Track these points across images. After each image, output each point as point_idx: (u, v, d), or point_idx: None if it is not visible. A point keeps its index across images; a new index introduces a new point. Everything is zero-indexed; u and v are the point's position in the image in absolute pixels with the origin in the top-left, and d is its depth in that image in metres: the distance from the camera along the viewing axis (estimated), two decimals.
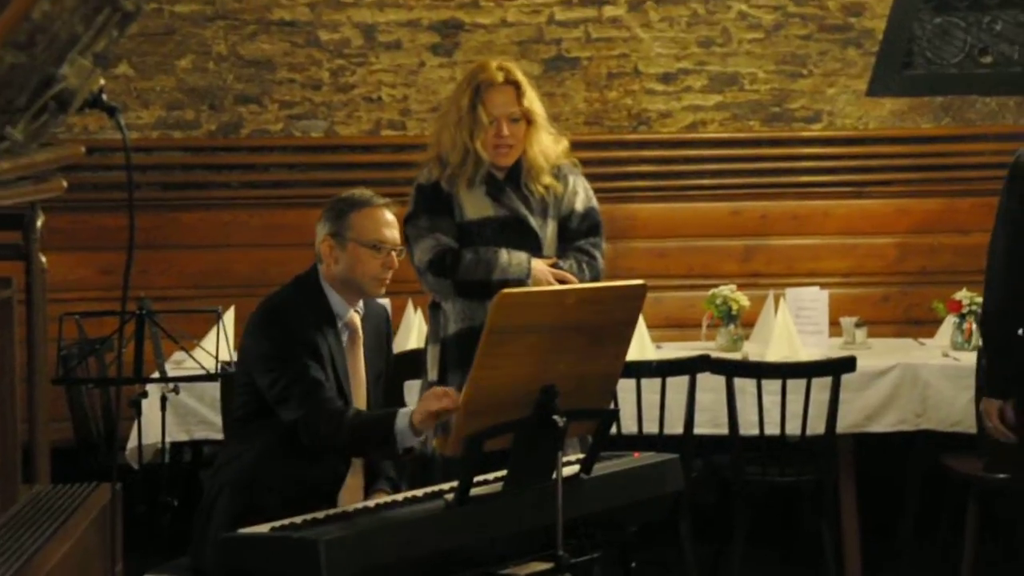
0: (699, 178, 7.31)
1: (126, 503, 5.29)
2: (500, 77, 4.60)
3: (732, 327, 6.20)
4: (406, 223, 4.63)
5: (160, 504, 5.33)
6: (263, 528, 3.29)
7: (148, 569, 4.10)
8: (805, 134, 7.32)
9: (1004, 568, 5.82)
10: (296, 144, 7.28)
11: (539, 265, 4.56)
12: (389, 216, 4.15)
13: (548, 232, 4.66)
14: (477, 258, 4.55)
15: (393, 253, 4.11)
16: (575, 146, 7.01)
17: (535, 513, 3.42)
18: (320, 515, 3.35)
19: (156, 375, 5.29)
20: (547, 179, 4.66)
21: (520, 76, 4.65)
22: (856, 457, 5.92)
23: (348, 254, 4.09)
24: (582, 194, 4.73)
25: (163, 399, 5.27)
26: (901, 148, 7.29)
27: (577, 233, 4.69)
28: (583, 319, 3.50)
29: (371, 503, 3.58)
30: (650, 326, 6.12)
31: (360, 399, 4.15)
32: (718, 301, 6.21)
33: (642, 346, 5.85)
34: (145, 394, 5.19)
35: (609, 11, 7.26)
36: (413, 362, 5.18)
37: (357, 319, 4.18)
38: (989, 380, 4.78)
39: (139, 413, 5.21)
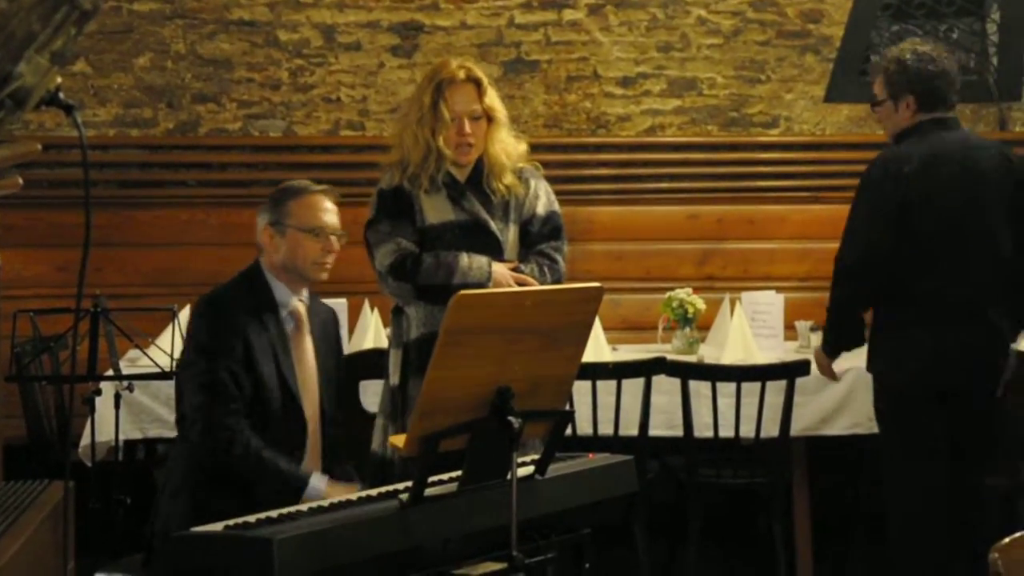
0: (657, 182, 7.34)
1: (79, 501, 5.28)
2: (462, 74, 4.62)
3: (688, 330, 6.23)
4: (367, 228, 4.64)
5: (113, 502, 5.31)
6: (217, 526, 3.28)
7: (101, 567, 4.09)
8: (763, 139, 7.36)
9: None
10: (254, 143, 7.26)
11: (500, 269, 4.56)
12: (328, 203, 4.21)
13: (509, 236, 4.66)
14: (438, 262, 4.55)
15: (333, 238, 4.15)
16: (534, 149, 7.02)
17: (490, 513, 3.43)
18: (274, 514, 3.34)
19: (110, 373, 5.27)
20: (509, 178, 4.66)
21: (481, 74, 4.67)
22: (809, 460, 5.96)
23: (288, 241, 4.13)
24: (544, 198, 4.73)
25: (117, 397, 5.26)
26: (858, 154, 7.30)
27: (539, 237, 4.69)
28: (539, 321, 3.51)
29: (325, 503, 3.57)
30: (607, 328, 6.14)
31: (309, 388, 4.16)
32: (674, 304, 6.23)
33: (598, 348, 5.87)
34: (99, 392, 5.18)
35: (569, 15, 7.28)
36: (369, 362, 5.18)
37: (302, 308, 4.19)
38: (829, 341, 5.21)
39: (93, 411, 5.19)
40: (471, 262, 4.53)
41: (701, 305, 6.24)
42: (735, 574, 6.35)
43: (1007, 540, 2.81)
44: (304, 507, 3.48)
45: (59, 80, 2.56)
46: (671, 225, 7.26)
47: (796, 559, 5.94)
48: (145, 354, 5.18)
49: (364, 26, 7.23)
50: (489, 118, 4.64)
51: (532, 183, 4.73)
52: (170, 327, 5.27)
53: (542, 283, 4.56)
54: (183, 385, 4.13)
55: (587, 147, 7.34)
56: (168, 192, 7.16)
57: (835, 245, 7.16)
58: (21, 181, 3.16)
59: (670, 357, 5.79)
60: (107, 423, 5.40)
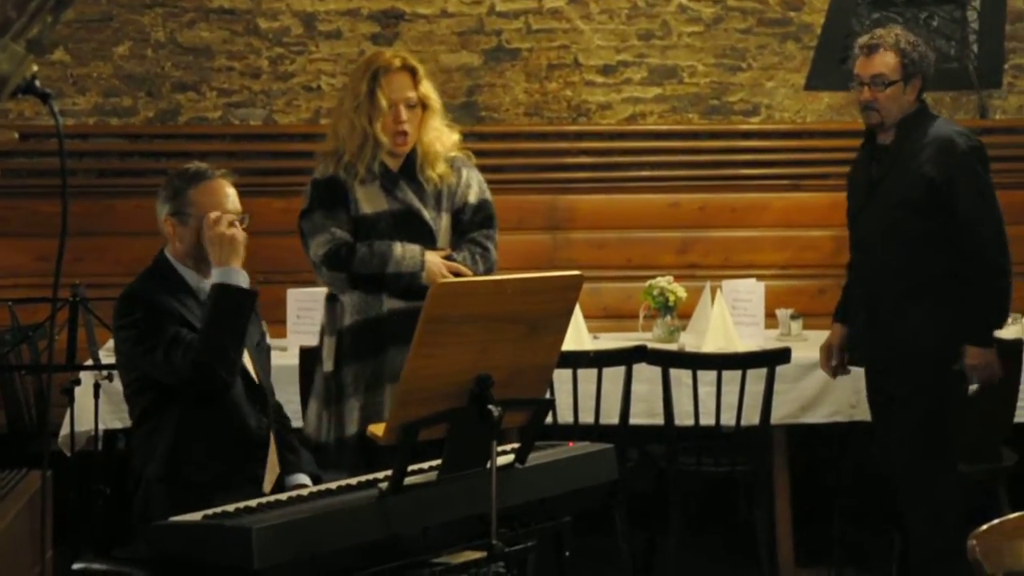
0: (638, 170, 7.33)
1: (58, 490, 5.27)
2: (397, 62, 4.72)
3: (669, 318, 6.23)
4: (301, 218, 4.74)
5: (92, 492, 5.30)
6: (195, 516, 3.28)
7: (80, 557, 4.08)
8: (744, 127, 7.36)
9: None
10: (234, 132, 7.24)
11: (432, 257, 4.64)
12: (228, 187, 4.20)
13: (442, 224, 4.74)
14: (371, 251, 4.63)
15: (237, 225, 4.13)
16: (516, 136, 7.02)
17: (470, 502, 3.43)
18: (253, 503, 3.34)
19: (89, 362, 5.26)
20: (442, 167, 4.75)
21: (416, 63, 4.75)
22: (790, 447, 5.97)
23: (191, 230, 4.12)
24: (475, 186, 4.81)
25: (96, 386, 5.24)
26: (838, 142, 7.32)
27: (471, 225, 4.77)
28: (519, 309, 3.51)
29: (304, 491, 3.57)
30: (587, 316, 6.14)
31: (246, 357, 4.18)
32: (655, 292, 6.23)
33: (579, 336, 5.87)
34: (78, 381, 5.16)
35: (549, 2, 7.27)
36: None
37: None
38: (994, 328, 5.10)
39: (72, 400, 5.17)
40: (404, 251, 4.61)
41: (682, 293, 6.24)
42: (716, 562, 6.36)
43: (984, 527, 2.82)
44: (283, 496, 3.48)
45: (36, 68, 2.55)
46: (652, 213, 7.26)
47: (777, 546, 5.95)
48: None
49: (344, 14, 7.21)
50: (424, 106, 4.73)
51: (464, 172, 4.81)
52: None
53: (474, 271, 4.66)
54: (135, 368, 4.10)
55: (568, 135, 7.34)
56: (148, 181, 7.11)
57: (815, 233, 7.24)
58: None
59: (651, 345, 5.79)
60: (86, 412, 5.38)
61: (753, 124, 7.36)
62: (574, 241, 7.22)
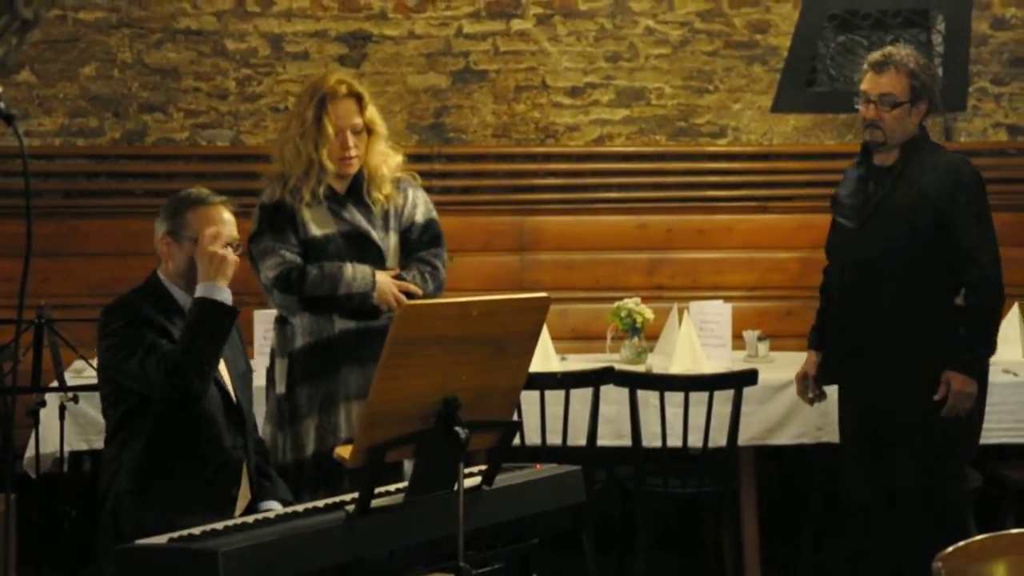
0: (606, 191, 7.35)
1: (23, 512, 5.24)
2: (343, 89, 4.77)
3: (636, 340, 6.24)
4: (250, 241, 4.78)
5: (58, 513, 5.27)
6: (161, 539, 3.26)
7: None
8: (711, 149, 7.38)
9: None
10: (201, 153, 7.23)
11: (383, 277, 4.69)
12: (226, 214, 4.24)
13: (391, 244, 4.80)
14: (323, 273, 4.68)
15: (229, 248, 4.15)
16: (482, 158, 7.05)
17: (437, 524, 3.42)
18: (219, 526, 3.32)
19: (55, 384, 5.23)
20: (388, 188, 4.82)
21: (362, 88, 4.82)
22: (757, 469, 5.98)
23: (185, 251, 4.16)
24: (422, 206, 4.88)
25: (62, 408, 5.22)
26: (805, 164, 7.37)
27: (419, 244, 4.83)
28: (486, 331, 3.50)
29: (271, 514, 3.56)
30: (555, 338, 6.15)
31: (228, 378, 4.19)
32: (623, 314, 6.24)
33: (546, 358, 5.87)
34: (43, 403, 5.14)
35: (517, 24, 7.28)
36: None
37: None
38: (990, 349, 5.08)
39: (37, 422, 5.15)
40: (355, 272, 4.66)
41: (649, 315, 6.25)
42: None
43: (950, 549, 2.83)
44: (250, 519, 3.46)
45: (0, 89, 2.55)
46: (620, 235, 7.27)
47: (744, 568, 5.95)
48: (90, 365, 5.14)
49: (312, 35, 7.21)
50: (369, 131, 4.78)
51: (410, 192, 4.88)
52: None
53: (424, 290, 4.73)
54: (111, 380, 4.11)
55: (535, 157, 7.34)
56: (115, 202, 7.11)
57: (782, 255, 7.27)
58: None
59: (618, 367, 5.80)
60: (52, 434, 5.36)
61: (720, 146, 7.39)
62: (542, 262, 7.22)
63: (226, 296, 4.09)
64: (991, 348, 5.05)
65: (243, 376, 4.33)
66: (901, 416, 5.01)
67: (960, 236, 4.93)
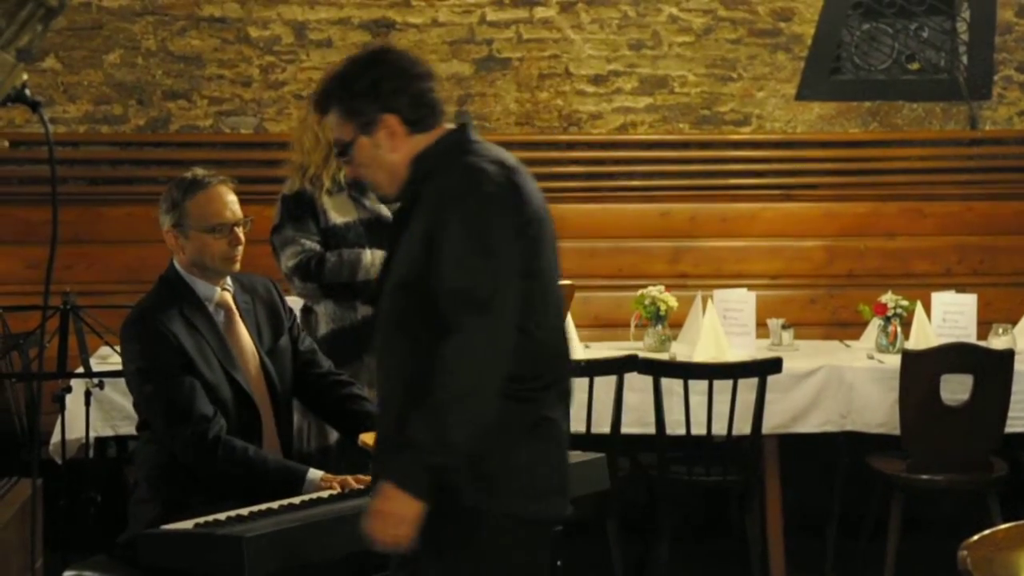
0: (629, 179, 7.33)
1: (49, 498, 5.27)
2: None
3: (660, 328, 6.23)
4: (273, 233, 4.83)
5: (83, 499, 5.29)
6: (187, 524, 3.27)
7: (70, 565, 4.06)
8: (734, 137, 7.37)
9: (926, 566, 5.89)
10: (225, 140, 7.24)
11: None
12: (227, 195, 4.14)
13: None
14: (341, 261, 4.72)
15: (237, 229, 4.09)
16: (506, 146, 6.99)
17: None
18: (244, 511, 3.34)
19: (80, 370, 5.24)
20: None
21: None
22: (781, 457, 5.97)
23: (192, 242, 4.09)
24: None
25: (87, 394, 5.22)
26: (829, 152, 7.35)
27: None
28: None
29: (296, 500, 3.57)
30: (579, 326, 6.13)
31: (250, 372, 4.10)
32: (646, 302, 6.23)
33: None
34: (69, 389, 5.14)
35: (540, 12, 7.27)
36: None
37: (228, 296, 4.16)
38: None
39: (63, 408, 5.16)
40: (373, 258, 4.72)
41: (673, 303, 6.23)
42: (707, 571, 6.36)
43: (976, 537, 2.82)
44: (275, 504, 3.47)
45: (26, 77, 2.55)
46: (643, 223, 7.26)
47: (769, 556, 5.94)
48: (115, 351, 5.15)
49: (335, 23, 7.21)
50: None
51: None
52: None
53: None
54: (140, 403, 4.08)
55: (559, 145, 7.34)
56: (138, 189, 7.12)
57: (806, 243, 7.26)
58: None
59: (642, 355, 5.79)
60: (78, 420, 5.36)
61: (744, 134, 7.37)
62: (565, 250, 7.10)
63: (311, 488, 3.85)
64: None
65: (274, 348, 4.23)
66: None
67: None
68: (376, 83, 3.19)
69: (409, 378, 3.03)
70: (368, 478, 3.63)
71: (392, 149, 3.20)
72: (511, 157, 3.32)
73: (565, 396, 3.20)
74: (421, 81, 3.23)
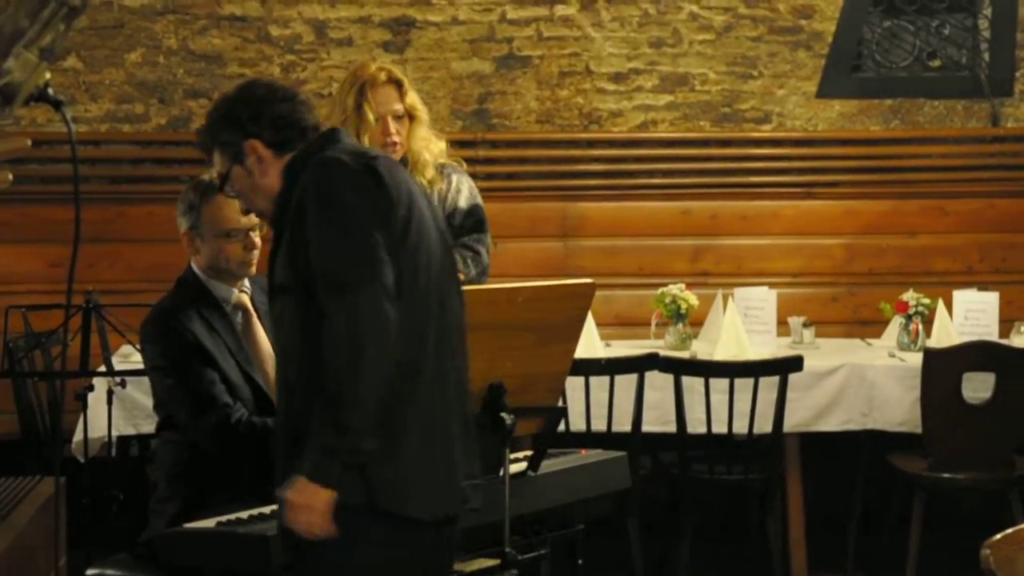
0: (649, 177, 7.33)
1: (72, 496, 5.29)
2: (383, 76, 4.84)
3: (681, 326, 6.22)
4: None
5: (106, 497, 5.30)
6: (209, 522, 3.28)
7: (93, 563, 4.08)
8: (755, 135, 7.36)
9: (948, 565, 5.88)
10: None
11: None
12: None
13: None
14: None
15: (251, 234, 4.11)
16: (527, 144, 7.04)
17: (483, 510, 3.43)
18: (266, 510, 3.34)
19: (103, 368, 5.26)
20: (431, 173, 4.85)
21: (401, 75, 4.87)
22: (802, 455, 5.96)
23: (208, 245, 4.11)
24: (465, 192, 4.91)
25: (110, 393, 5.25)
26: (850, 150, 7.34)
27: (461, 230, 4.87)
28: (532, 317, 3.52)
29: None
30: (599, 324, 6.14)
31: (268, 373, 4.10)
32: (667, 300, 6.23)
33: (591, 344, 5.86)
34: (91, 387, 5.17)
35: (561, 10, 7.27)
36: None
37: (245, 298, 4.17)
38: None
39: (85, 407, 5.18)
40: None
41: (694, 301, 6.23)
42: (729, 570, 6.36)
43: (999, 536, 2.81)
44: None
45: (48, 76, 2.56)
46: (664, 221, 7.26)
47: (790, 555, 5.94)
48: (137, 350, 5.16)
49: (356, 22, 7.22)
50: (411, 117, 4.83)
51: (454, 178, 4.93)
52: None
53: (466, 275, 4.72)
54: (162, 399, 4.09)
55: (579, 143, 7.34)
56: (160, 188, 7.14)
57: (827, 241, 7.25)
58: (11, 177, 3.17)
59: (663, 353, 5.79)
60: (100, 419, 5.39)
61: (764, 132, 7.36)
62: (586, 248, 7.21)
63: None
64: None
65: None
66: None
67: None
68: (234, 113, 3.34)
69: (306, 374, 3.09)
70: None
71: (263, 173, 3.31)
72: (378, 152, 3.43)
73: (443, 382, 3.18)
74: (280, 104, 3.34)
